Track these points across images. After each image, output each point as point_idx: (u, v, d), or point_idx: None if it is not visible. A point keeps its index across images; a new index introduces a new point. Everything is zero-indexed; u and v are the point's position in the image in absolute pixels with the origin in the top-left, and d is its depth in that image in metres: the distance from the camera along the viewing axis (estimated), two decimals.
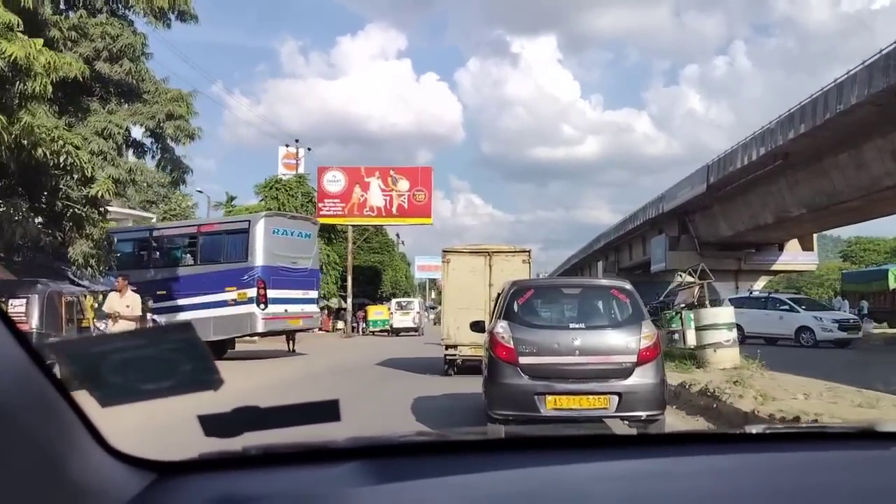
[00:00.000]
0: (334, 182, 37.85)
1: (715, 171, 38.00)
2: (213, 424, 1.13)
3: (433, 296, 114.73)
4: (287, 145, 47.00)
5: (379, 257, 47.65)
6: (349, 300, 37.98)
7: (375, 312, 39.26)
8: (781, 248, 47.65)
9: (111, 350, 0.95)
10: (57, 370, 0.95)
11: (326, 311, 39.75)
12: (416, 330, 36.13)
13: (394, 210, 37.82)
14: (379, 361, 18.84)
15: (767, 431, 1.71)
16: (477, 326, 9.02)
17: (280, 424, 1.15)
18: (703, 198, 41.43)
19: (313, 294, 21.43)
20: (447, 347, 14.18)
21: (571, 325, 6.93)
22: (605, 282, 9.54)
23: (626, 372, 6.43)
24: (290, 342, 20.63)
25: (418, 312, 36.70)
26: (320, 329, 40.93)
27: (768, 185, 34.75)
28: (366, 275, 45.97)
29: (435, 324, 41.01)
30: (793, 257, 47.37)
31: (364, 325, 40.54)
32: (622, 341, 6.60)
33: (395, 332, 36.10)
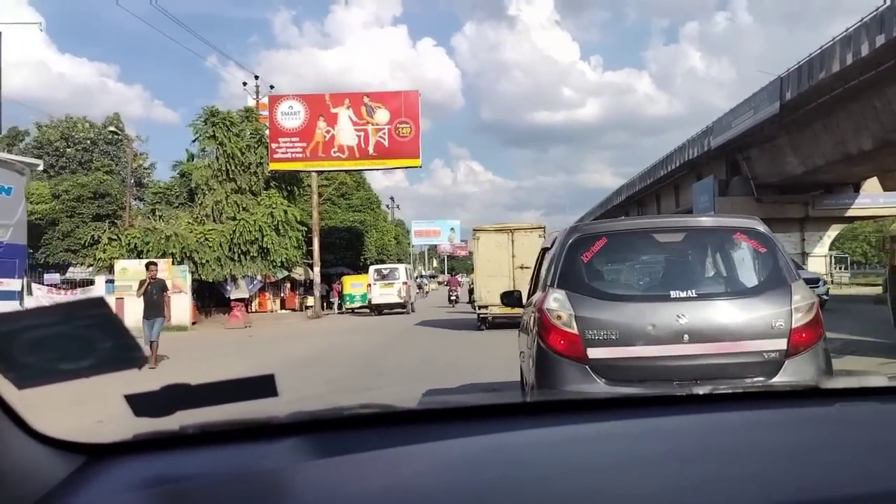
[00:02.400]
0: (291, 115, 28.71)
1: (793, 84, 28.63)
2: (142, 404, 1.08)
3: (434, 264, 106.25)
4: (244, 84, 37.70)
5: (359, 216, 38.57)
6: (316, 270, 29.00)
7: (352, 284, 30.40)
8: (857, 189, 38.43)
9: (21, 328, 0.87)
10: None
11: (289, 285, 30.83)
12: (402, 306, 27.23)
13: (370, 149, 28.71)
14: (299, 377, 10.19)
15: (714, 392, 1.61)
16: (510, 298, 6.33)
17: (215, 402, 1.11)
18: (768, 125, 32.17)
19: (10, 284, 16.69)
20: (479, 308, 17.86)
21: (673, 294, 4.48)
22: (724, 220, 5.40)
23: (770, 367, 4.28)
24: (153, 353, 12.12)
25: (405, 283, 27.71)
26: (284, 308, 32.07)
27: (874, 96, 25.48)
28: (343, 238, 36.98)
29: (453, 300, 34.25)
30: (873, 199, 38.12)
31: (339, 301, 31.69)
32: (761, 317, 4.39)
33: (377, 309, 27.15)
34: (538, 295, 4.98)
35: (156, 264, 13.68)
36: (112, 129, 28.72)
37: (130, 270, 24.12)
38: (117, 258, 24.90)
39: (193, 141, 27.95)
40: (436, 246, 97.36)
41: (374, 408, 1.45)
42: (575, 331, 4.37)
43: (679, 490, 0.93)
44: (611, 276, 5.15)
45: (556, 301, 4.46)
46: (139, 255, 25.12)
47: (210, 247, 26.39)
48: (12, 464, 0.94)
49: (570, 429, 1.27)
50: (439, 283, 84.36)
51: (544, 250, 5.84)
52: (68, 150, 48.52)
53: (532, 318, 4.91)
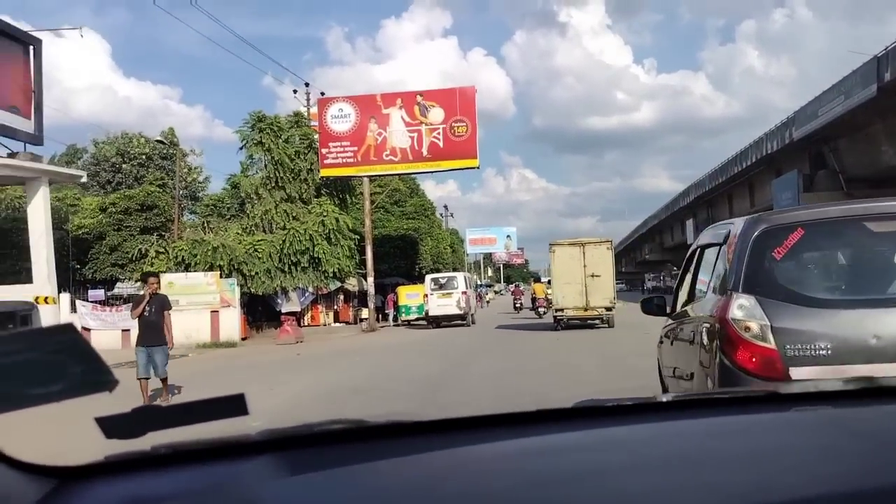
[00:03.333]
0: (341, 118, 27.24)
1: (893, 64, 25.65)
2: (113, 426, 1.07)
3: (489, 273, 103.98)
4: (294, 91, 36.53)
5: (414, 223, 36.89)
6: (370, 280, 27.36)
7: (408, 295, 28.63)
8: None
9: None
10: None
11: (342, 297, 29.31)
12: (461, 318, 25.24)
13: (424, 151, 26.99)
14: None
15: (673, 399, 1.63)
16: (650, 305, 5.58)
17: (186, 422, 1.10)
18: (861, 111, 29.11)
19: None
20: (556, 311, 20.39)
21: None
22: None
23: None
24: None
25: (464, 293, 25.77)
26: (337, 321, 30.56)
27: None
28: (397, 246, 35.35)
29: (518, 307, 35.06)
30: None
31: (395, 313, 29.98)
32: None
33: (434, 321, 25.27)
34: (711, 301, 4.29)
35: (156, 276, 11.15)
36: (158, 139, 27.82)
37: (177, 284, 22.93)
38: (165, 272, 23.75)
39: (240, 148, 26.74)
40: (491, 254, 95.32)
41: (345, 423, 1.39)
42: (772, 345, 3.74)
43: (634, 498, 0.95)
44: (813, 276, 4.32)
45: (744, 309, 3.81)
46: (187, 269, 23.97)
47: (259, 258, 25.06)
48: None
49: (535, 440, 1.29)
50: (496, 292, 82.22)
51: (700, 248, 5.08)
52: (124, 165, 48.47)
53: (704, 330, 4.21)
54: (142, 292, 9.84)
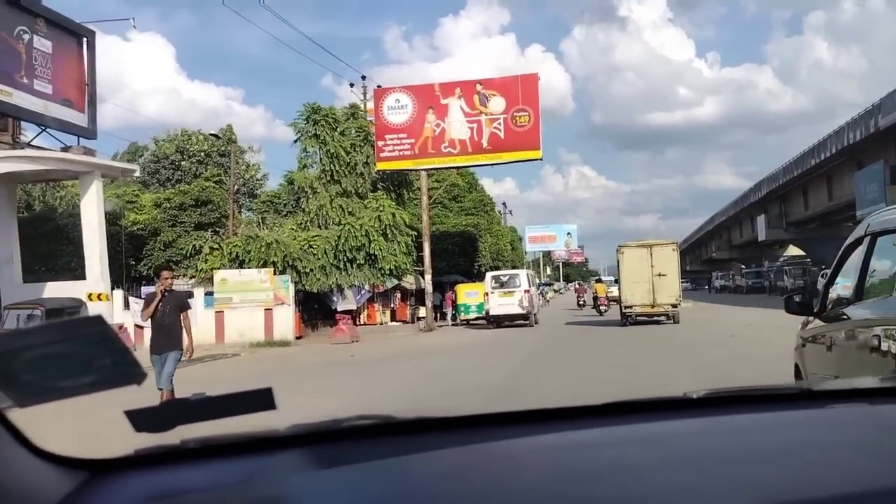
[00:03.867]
0: (398, 109, 26.23)
1: None
2: (142, 419, 1.09)
3: (548, 272, 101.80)
4: (351, 84, 35.76)
5: (473, 219, 35.66)
6: (427, 277, 26.27)
7: (467, 293, 27.42)
8: None
9: (23, 347, 0.89)
10: None
11: (399, 295, 28.34)
12: (524, 318, 23.84)
13: (484, 142, 25.74)
14: None
15: (705, 396, 1.55)
16: (791, 304, 4.93)
17: (214, 416, 1.11)
18: None
19: None
20: (625, 308, 21.21)
21: None
22: None
23: None
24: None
25: (527, 291, 24.15)
26: (394, 320, 29.60)
27: None
28: (455, 243, 34.18)
29: (581, 304, 36.06)
30: None
31: (454, 312, 28.83)
32: None
33: (495, 321, 23.96)
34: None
35: (170, 269, 9.83)
36: (213, 133, 27.33)
37: (230, 281, 22.30)
38: (218, 268, 23.18)
39: (295, 141, 26.00)
40: (550, 252, 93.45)
41: (373, 419, 1.39)
42: None
43: (667, 494, 0.95)
44: None
45: None
46: (241, 265, 23.34)
47: (314, 254, 24.25)
48: (16, 481, 0.95)
49: (568, 435, 1.30)
50: (555, 290, 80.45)
51: (871, 237, 4.17)
52: (183, 162, 48.74)
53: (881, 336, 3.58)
54: (155, 289, 8.45)
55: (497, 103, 25.65)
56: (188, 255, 25.33)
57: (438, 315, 30.18)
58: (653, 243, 21.61)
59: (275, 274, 22.67)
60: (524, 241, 72.91)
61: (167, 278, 8.32)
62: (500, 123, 25.55)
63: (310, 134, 25.75)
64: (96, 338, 0.91)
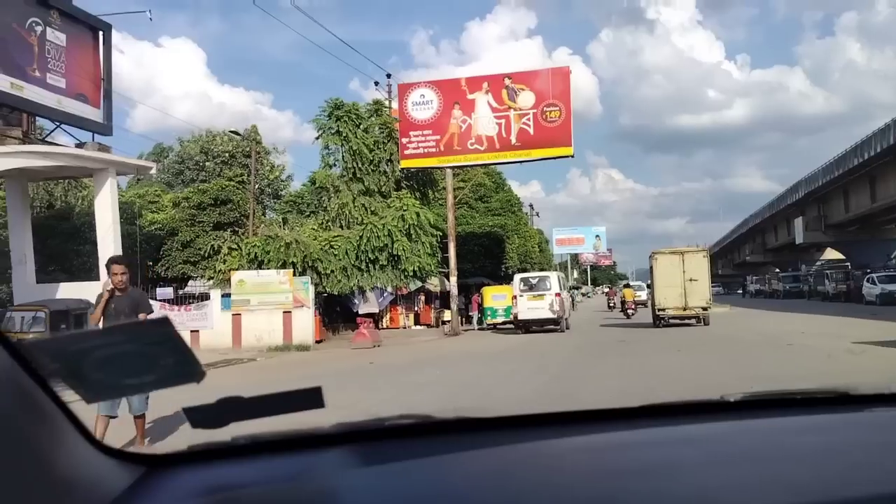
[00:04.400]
0: (423, 105, 25.26)
1: None
2: (198, 416, 1.14)
3: (575, 275, 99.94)
4: (376, 83, 34.89)
5: (500, 220, 34.56)
6: (452, 280, 25.22)
7: (494, 296, 26.32)
8: None
9: (93, 347, 0.94)
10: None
11: (423, 298, 27.35)
12: (554, 323, 22.66)
13: (513, 139, 24.64)
14: None
15: (744, 399, 1.58)
16: None
17: (265, 413, 1.15)
18: None
19: None
20: (658, 310, 22.28)
21: None
22: None
23: None
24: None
25: (557, 294, 22.71)
26: (418, 324, 28.60)
27: None
28: (482, 244, 33.11)
29: (612, 306, 37.85)
30: None
31: (480, 316, 27.75)
32: None
33: (523, 325, 22.81)
34: None
35: (121, 262, 6.70)
36: (233, 130, 26.55)
37: (248, 283, 21.46)
38: (237, 269, 22.38)
39: (317, 138, 25.14)
40: (577, 255, 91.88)
41: (414, 418, 1.42)
42: None
43: (708, 492, 0.96)
44: None
45: None
46: (260, 266, 22.51)
47: (335, 255, 23.35)
48: (80, 474, 0.99)
49: (607, 436, 1.31)
50: (583, 294, 78.90)
51: None
52: (207, 163, 48.34)
53: None
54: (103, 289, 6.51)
55: (526, 98, 24.54)
56: (206, 255, 24.62)
57: (464, 319, 29.14)
58: (685, 250, 23.30)
59: (294, 275, 21.80)
60: (551, 244, 71.53)
61: (118, 273, 6.31)
62: (529, 119, 24.44)
63: (332, 131, 24.88)
64: (161, 338, 0.95)
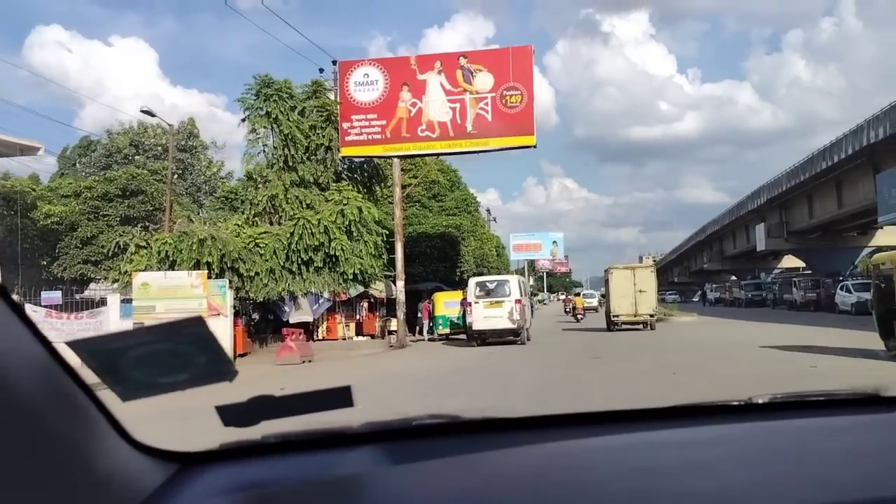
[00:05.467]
0: (367, 86, 22.21)
1: None
2: (230, 415, 1.15)
3: (532, 282, 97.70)
4: (321, 70, 31.64)
5: (455, 220, 31.64)
6: (399, 284, 22.15)
7: (446, 303, 23.38)
8: None
9: (129, 345, 0.95)
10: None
11: (366, 305, 24.20)
12: (514, 334, 19.75)
13: (469, 126, 21.76)
14: None
15: (773, 401, 1.58)
16: None
17: (296, 412, 1.17)
18: None
19: None
20: (613, 317, 25.17)
21: None
22: None
23: None
24: None
25: (518, 301, 19.73)
26: (361, 334, 25.40)
27: None
28: (435, 246, 30.13)
29: (568, 311, 41.67)
30: None
31: (430, 325, 24.75)
32: None
33: (479, 337, 19.84)
34: None
35: None
36: (145, 109, 22.89)
37: (153, 286, 18.03)
38: (144, 270, 18.94)
39: (243, 120, 21.80)
40: (534, 262, 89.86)
41: (442, 418, 1.43)
42: None
43: (737, 490, 0.96)
44: None
45: None
46: (172, 267, 19.10)
47: (261, 255, 20.07)
48: (116, 470, 1.01)
49: (634, 436, 1.31)
50: (539, 301, 76.77)
51: None
52: (137, 157, 44.37)
53: None
54: None
55: (484, 80, 21.70)
56: (110, 254, 21.02)
57: (414, 328, 26.11)
58: (635, 266, 26.89)
59: (211, 277, 18.48)
60: (508, 250, 69.05)
61: None
62: (487, 103, 21.59)
63: (261, 112, 21.57)
64: (194, 337, 0.96)
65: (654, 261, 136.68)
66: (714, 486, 0.98)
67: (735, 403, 1.52)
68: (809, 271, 50.66)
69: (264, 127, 21.65)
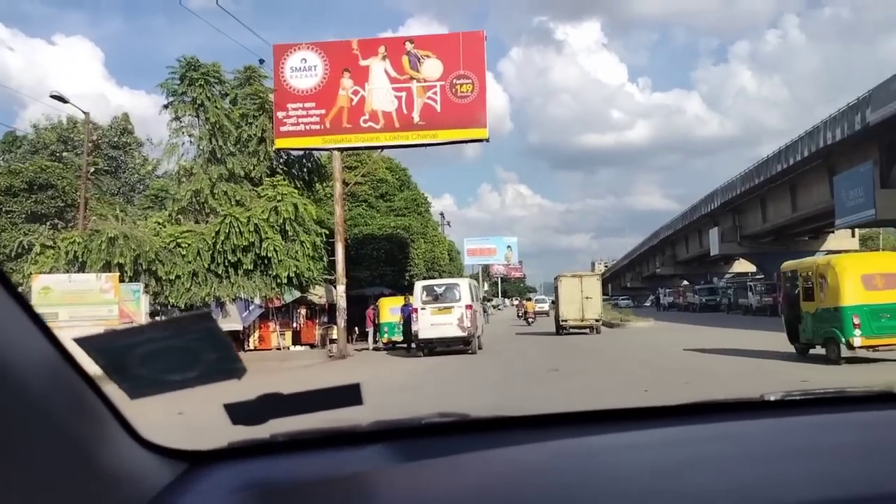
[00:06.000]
0: (304, 72, 20.33)
1: None
2: (239, 413, 1.14)
3: (486, 287, 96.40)
4: (261, 61, 29.56)
5: (404, 221, 29.89)
6: (340, 288, 20.27)
7: (392, 310, 21.61)
8: None
9: (137, 343, 0.94)
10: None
11: (304, 311, 22.25)
12: (464, 343, 18.02)
13: (415, 116, 20.06)
14: None
15: (785, 398, 1.56)
16: None
17: (304, 410, 1.16)
18: None
19: None
20: (562, 321, 26.04)
21: None
22: None
23: None
24: None
25: (469, 306, 17.86)
26: (298, 343, 23.40)
27: None
28: (383, 248, 28.33)
29: (521, 315, 42.71)
30: None
31: (375, 333, 22.94)
32: None
33: (426, 346, 18.12)
34: None
35: None
36: (56, 94, 20.36)
37: (56, 291, 15.80)
38: (51, 273, 16.72)
39: (165, 107, 19.67)
40: (489, 267, 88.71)
41: (451, 416, 1.42)
42: None
43: (750, 486, 0.96)
44: None
45: None
46: (82, 269, 16.91)
47: (183, 256, 18.02)
48: (124, 468, 1.00)
49: (645, 433, 1.30)
50: (494, 306, 75.56)
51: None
52: (66, 153, 41.44)
53: None
54: None
55: (432, 67, 20.05)
56: (13, 254, 18.66)
57: (358, 336, 24.24)
58: (583, 275, 27.90)
59: (124, 281, 16.37)
60: (463, 255, 67.57)
61: None
62: (435, 92, 19.94)
63: (185, 98, 19.50)
64: (203, 334, 0.94)
65: (606, 266, 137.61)
66: (726, 482, 0.98)
67: (747, 401, 1.51)
68: (762, 275, 50.43)
69: (190, 115, 19.57)
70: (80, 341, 0.90)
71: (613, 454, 1.19)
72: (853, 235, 49.75)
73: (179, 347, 0.94)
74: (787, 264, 15.64)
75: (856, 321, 12.01)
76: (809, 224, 45.26)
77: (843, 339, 12.12)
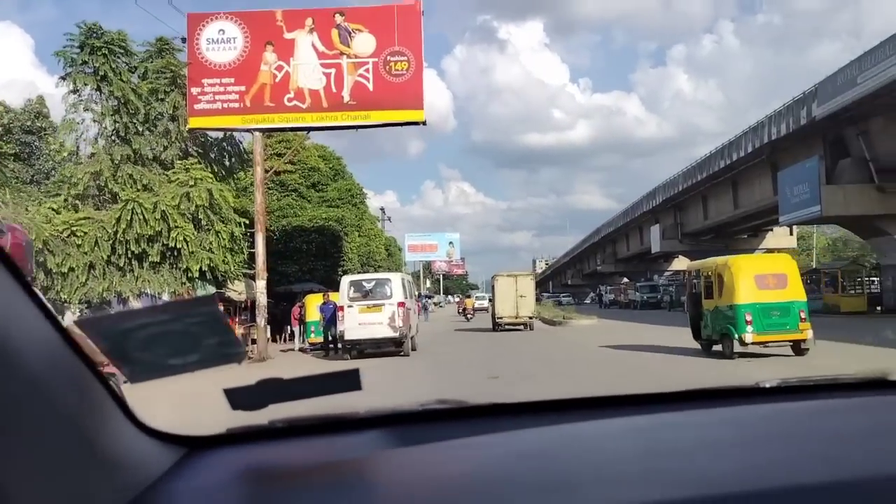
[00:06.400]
0: (222, 44, 18.38)
1: None
2: (239, 398, 1.14)
3: (428, 284, 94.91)
4: (183, 39, 27.23)
5: (337, 212, 28.05)
6: (260, 284, 18.40)
7: (319, 307, 19.80)
8: None
9: (137, 326, 0.93)
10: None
11: (221, 308, 20.18)
12: (396, 343, 16.37)
13: (345, 95, 18.34)
14: None
15: (781, 385, 1.59)
16: None
17: (304, 395, 1.15)
18: None
19: None
20: (497, 318, 27.02)
21: None
22: None
23: None
24: None
25: (401, 304, 16.13)
26: None
27: None
28: (314, 241, 26.46)
29: (461, 312, 42.26)
30: None
31: (302, 332, 21.13)
32: None
33: (352, 347, 16.40)
34: None
35: None
36: None
37: None
38: None
39: (63, 78, 17.40)
40: (430, 263, 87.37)
41: (449, 403, 1.42)
42: None
43: (746, 470, 0.97)
44: None
45: None
46: None
47: (78, 246, 15.89)
48: (124, 454, 0.99)
49: (643, 418, 1.29)
50: (436, 304, 74.26)
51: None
52: None
53: None
54: None
55: (364, 42, 18.36)
56: None
57: (283, 336, 22.37)
58: (517, 274, 28.34)
59: None
60: (404, 251, 65.96)
61: None
62: (368, 70, 18.25)
63: (86, 69, 17.29)
64: (204, 317, 0.94)
65: (548, 264, 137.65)
66: (726, 464, 0.99)
67: (743, 387, 1.53)
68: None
69: (91, 87, 17.37)
70: (81, 323, 0.89)
71: (612, 439, 1.19)
72: (791, 234, 50.12)
73: (179, 332, 0.93)
74: (692, 264, 16.58)
75: (748, 318, 12.64)
76: (751, 221, 45.31)
77: (737, 335, 12.72)
